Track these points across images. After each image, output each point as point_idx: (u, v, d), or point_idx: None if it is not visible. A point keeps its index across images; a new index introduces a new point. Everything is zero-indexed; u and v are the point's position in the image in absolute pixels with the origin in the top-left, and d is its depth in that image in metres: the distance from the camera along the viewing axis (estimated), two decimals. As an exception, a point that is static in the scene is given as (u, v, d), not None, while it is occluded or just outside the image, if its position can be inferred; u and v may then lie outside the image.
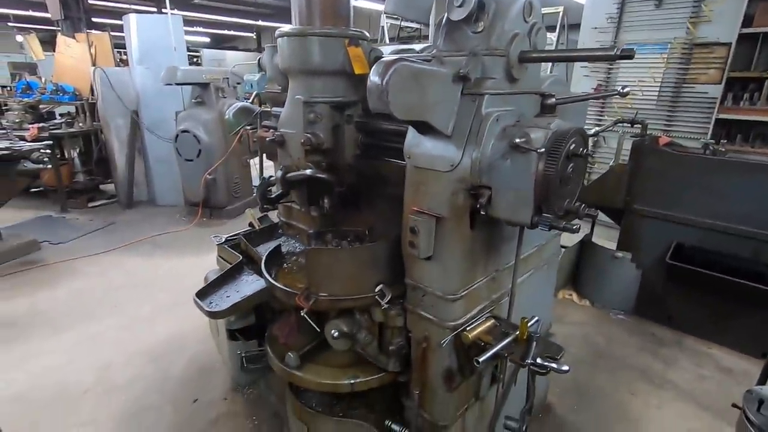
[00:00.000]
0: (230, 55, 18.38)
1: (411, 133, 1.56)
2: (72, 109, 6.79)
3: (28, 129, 5.63)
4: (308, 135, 1.82)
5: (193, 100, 5.69)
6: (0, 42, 10.59)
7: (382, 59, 1.28)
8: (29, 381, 2.81)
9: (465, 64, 1.41)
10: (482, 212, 1.44)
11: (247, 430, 2.44)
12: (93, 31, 6.40)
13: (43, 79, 6.64)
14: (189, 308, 3.83)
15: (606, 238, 4.39)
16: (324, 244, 2.15)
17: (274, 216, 2.89)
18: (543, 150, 1.22)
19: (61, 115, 7.06)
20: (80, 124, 6.10)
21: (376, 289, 1.67)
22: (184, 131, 5.51)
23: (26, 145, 4.34)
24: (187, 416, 2.54)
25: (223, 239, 2.53)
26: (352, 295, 1.67)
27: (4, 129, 5.34)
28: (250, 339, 2.19)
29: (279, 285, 1.78)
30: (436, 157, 1.47)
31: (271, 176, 2.08)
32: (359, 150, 2.01)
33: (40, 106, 6.53)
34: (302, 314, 1.63)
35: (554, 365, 1.38)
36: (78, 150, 6.22)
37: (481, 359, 1.42)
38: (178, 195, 6.23)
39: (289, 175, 1.86)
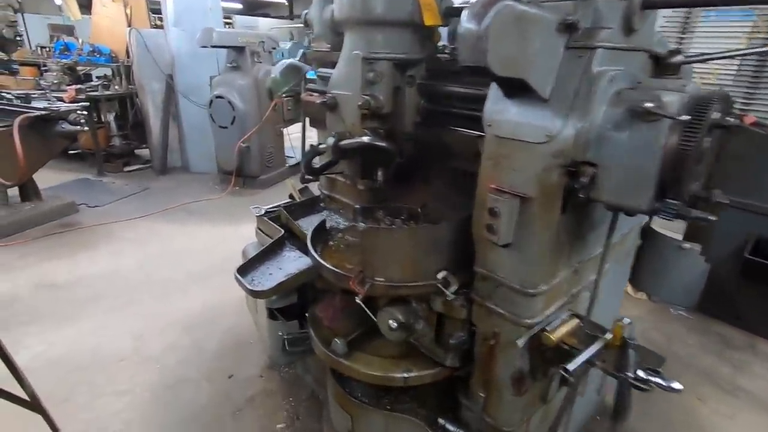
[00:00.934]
0: (262, 22, 18.03)
1: (493, 95, 1.31)
2: (108, 71, 6.74)
3: (66, 90, 5.59)
4: (366, 97, 1.59)
5: (228, 65, 5.50)
6: (39, 3, 10.65)
7: (479, -2, 1.02)
8: (67, 345, 2.79)
9: (573, 10, 1.14)
10: (581, 194, 1.19)
11: (283, 410, 2.34)
12: (128, -9, 6.24)
13: (80, 41, 6.58)
14: (223, 279, 3.81)
15: (660, 225, 4.03)
16: (375, 221, 1.95)
17: (314, 188, 2.71)
18: (684, 117, 0.96)
19: (97, 77, 7.03)
20: (116, 87, 6.04)
21: (439, 276, 1.47)
22: (218, 97, 5.36)
23: (63, 106, 4.28)
24: (223, 392, 2.46)
25: (263, 211, 2.36)
26: (412, 282, 1.48)
27: (42, 89, 5.31)
28: (291, 319, 2.05)
29: (328, 266, 1.60)
30: (527, 125, 1.22)
31: (320, 143, 1.87)
32: (419, 117, 1.77)
33: (78, 68, 6.50)
34: (357, 301, 1.45)
35: (661, 381, 1.15)
36: (114, 114, 6.18)
37: (570, 368, 1.20)
38: (212, 162, 6.15)
39: (343, 142, 1.65)
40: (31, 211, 4.43)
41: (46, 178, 5.27)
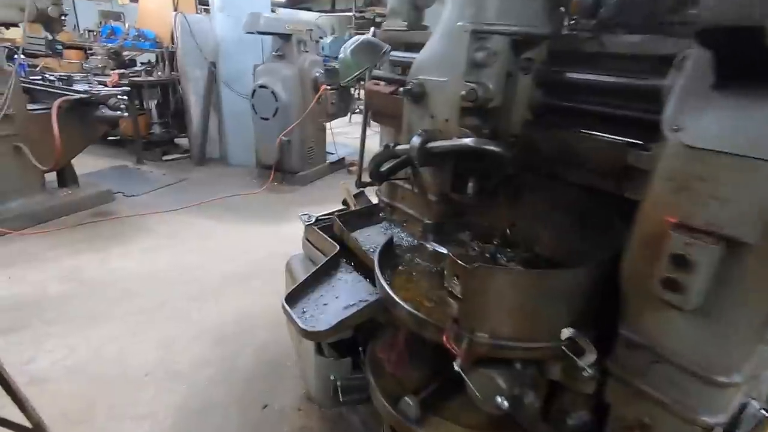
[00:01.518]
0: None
1: (688, 87, 0.88)
2: (153, 57, 6.63)
3: (110, 75, 5.47)
4: (472, 85, 1.18)
5: (273, 53, 5.22)
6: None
7: None
8: (89, 352, 2.53)
9: None
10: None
11: (323, 456, 1.98)
12: (176, -26, 6.06)
13: (126, 25, 6.48)
14: (259, 283, 3.48)
15: None
16: (457, 245, 1.55)
17: (370, 193, 2.33)
18: None
19: (142, 63, 6.94)
20: (159, 74, 5.89)
21: (565, 335, 1.05)
22: (261, 86, 5.08)
23: (104, 90, 4.09)
24: (254, 424, 2.12)
25: (313, 219, 2.00)
26: (528, 342, 1.07)
27: (85, 73, 5.20)
28: (343, 356, 1.67)
29: (407, 307, 1.21)
30: (754, 133, 0.79)
31: (394, 144, 1.48)
32: (531, 113, 1.35)
33: (124, 53, 6.41)
34: (456, 368, 1.05)
35: None
36: (156, 101, 6.03)
37: None
38: (250, 155, 5.91)
39: (433, 144, 1.25)
40: (67, 198, 4.29)
41: (84, 163, 5.16)
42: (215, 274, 3.40)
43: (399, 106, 1.57)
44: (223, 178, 5.74)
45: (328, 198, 5.17)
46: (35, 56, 6.33)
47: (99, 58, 5.71)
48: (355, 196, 2.25)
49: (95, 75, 5.67)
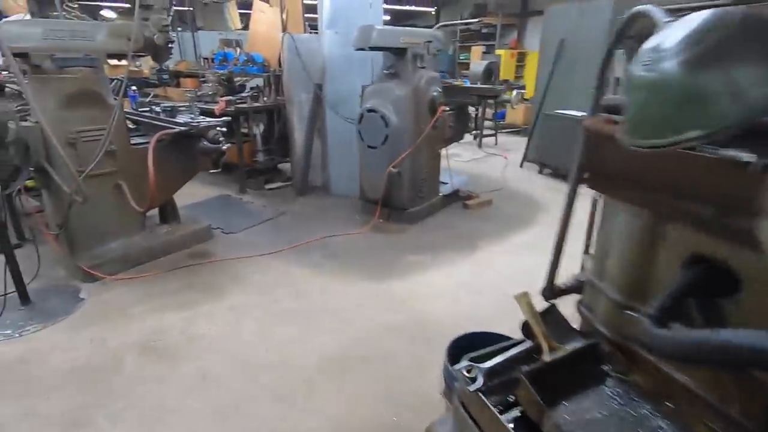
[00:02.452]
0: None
1: None
2: (261, 82, 6.43)
3: (218, 102, 5.26)
4: None
5: (384, 71, 4.51)
6: (214, 20, 11.59)
7: None
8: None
9: None
10: None
11: None
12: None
13: (237, 50, 6.38)
14: (361, 377, 2.33)
15: None
16: None
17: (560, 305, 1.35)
18: None
19: (251, 88, 6.82)
20: (265, 98, 5.56)
21: None
22: (370, 110, 4.38)
23: (204, 122, 3.70)
24: None
25: (481, 382, 1.07)
26: None
27: (196, 100, 5.02)
28: None
29: None
30: None
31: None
32: None
33: (235, 79, 6.29)
34: None
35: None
36: (262, 127, 5.73)
37: None
38: (355, 185, 5.28)
39: None
40: (165, 237, 3.98)
41: (192, 192, 4.97)
42: (308, 354, 2.66)
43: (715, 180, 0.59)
44: (324, 211, 5.16)
45: (443, 243, 4.28)
46: (155, 86, 6.56)
47: (210, 85, 5.58)
48: (543, 314, 1.28)
49: (206, 102, 5.55)
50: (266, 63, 5.72)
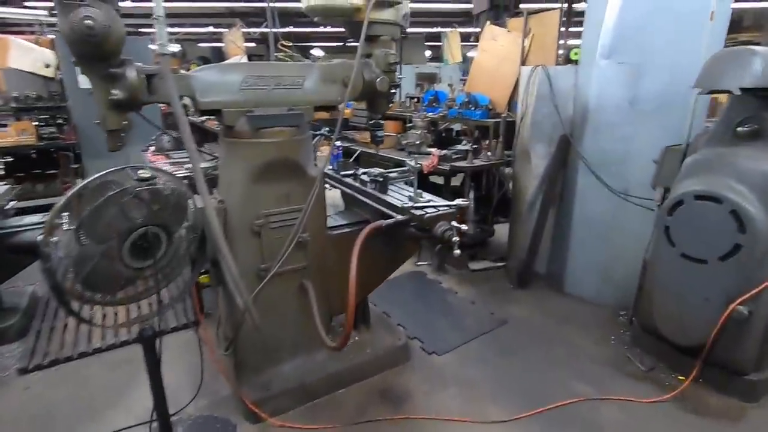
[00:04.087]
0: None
1: None
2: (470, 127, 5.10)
3: (430, 155, 4.07)
4: None
5: (733, 128, 2.56)
6: (411, 54, 11.19)
7: None
8: None
9: None
10: None
11: None
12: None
13: (452, 89, 5.20)
14: None
15: None
16: None
17: None
18: None
19: (457, 132, 5.57)
20: (488, 154, 4.14)
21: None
22: (703, 197, 2.48)
23: (431, 205, 2.41)
24: None
25: None
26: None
27: (401, 150, 3.91)
28: None
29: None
30: None
31: None
32: None
33: (441, 123, 5.12)
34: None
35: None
36: (477, 190, 4.34)
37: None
38: (608, 289, 3.47)
39: None
40: (353, 355, 2.81)
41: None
42: None
43: None
44: (563, 326, 3.41)
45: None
46: (354, 128, 5.85)
47: (418, 133, 4.47)
48: None
49: (410, 153, 4.45)
50: (491, 106, 4.33)
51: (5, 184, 3.58)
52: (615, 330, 3.32)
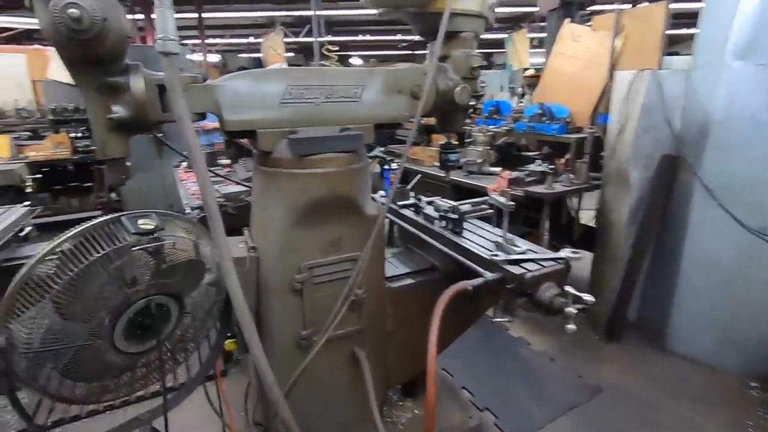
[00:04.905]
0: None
1: None
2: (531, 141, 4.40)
3: (497, 175, 3.43)
4: None
5: None
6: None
7: None
8: None
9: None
10: None
11: None
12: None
13: (516, 99, 4.52)
14: None
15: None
16: None
17: None
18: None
19: (535, 155, 4.85)
20: (571, 177, 3.44)
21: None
22: None
23: (532, 259, 1.78)
24: None
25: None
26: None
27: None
28: None
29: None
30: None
31: None
32: None
33: (503, 138, 4.46)
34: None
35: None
36: (551, 220, 3.65)
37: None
38: (729, 351, 2.70)
39: None
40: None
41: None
42: None
43: None
44: (680, 402, 2.66)
45: None
46: (400, 141, 5.27)
47: (480, 150, 3.83)
48: None
49: (470, 173, 3.84)
50: (570, 119, 3.64)
51: (28, 205, 3.26)
52: (749, 408, 2.55)
